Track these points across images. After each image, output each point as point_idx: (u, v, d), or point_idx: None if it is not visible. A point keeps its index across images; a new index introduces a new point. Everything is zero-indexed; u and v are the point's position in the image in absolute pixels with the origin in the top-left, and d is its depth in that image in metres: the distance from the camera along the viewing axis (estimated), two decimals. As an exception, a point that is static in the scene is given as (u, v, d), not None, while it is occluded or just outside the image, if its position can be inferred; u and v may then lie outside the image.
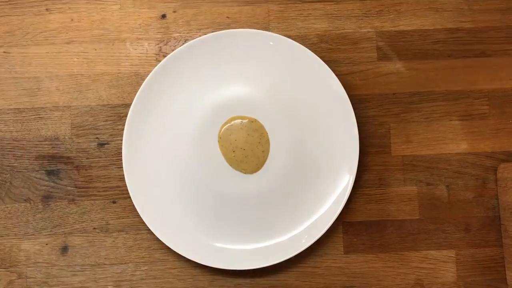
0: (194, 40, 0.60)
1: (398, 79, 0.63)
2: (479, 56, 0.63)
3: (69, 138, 0.62)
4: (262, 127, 0.61)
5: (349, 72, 0.63)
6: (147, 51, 0.63)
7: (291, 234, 0.60)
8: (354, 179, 0.60)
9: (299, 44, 0.60)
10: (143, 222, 0.59)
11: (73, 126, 0.62)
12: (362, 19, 0.63)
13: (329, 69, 0.60)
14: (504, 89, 0.63)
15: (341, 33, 0.63)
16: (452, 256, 0.62)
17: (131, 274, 0.61)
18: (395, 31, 0.63)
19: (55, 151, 0.62)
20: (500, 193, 0.61)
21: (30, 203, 0.61)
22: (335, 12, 0.64)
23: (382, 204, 0.62)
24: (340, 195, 0.60)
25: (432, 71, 0.63)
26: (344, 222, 0.62)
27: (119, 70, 0.63)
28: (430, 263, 0.62)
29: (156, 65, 0.60)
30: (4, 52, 0.63)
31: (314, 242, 0.59)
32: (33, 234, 0.61)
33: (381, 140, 0.63)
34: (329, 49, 0.63)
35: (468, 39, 0.63)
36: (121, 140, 0.61)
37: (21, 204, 0.61)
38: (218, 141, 0.61)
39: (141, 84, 0.60)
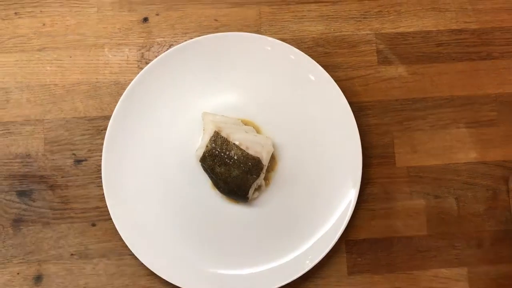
0: (180, 45, 0.59)
1: (400, 85, 0.62)
2: (485, 58, 0.63)
3: (42, 154, 0.60)
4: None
5: (348, 78, 0.62)
6: (127, 57, 0.61)
7: (290, 257, 0.57)
8: (358, 194, 0.57)
9: (294, 48, 0.59)
10: (126, 246, 0.57)
11: (46, 141, 0.60)
12: (360, 20, 0.63)
13: (327, 74, 0.59)
14: (513, 93, 0.63)
15: (339, 36, 0.62)
16: (464, 274, 0.60)
17: (113, 304, 0.58)
18: (395, 33, 0.63)
19: (27, 170, 0.59)
20: (514, 205, 0.59)
21: (-1, 228, 0.59)
22: (332, 14, 0.63)
23: (387, 219, 0.60)
24: (343, 211, 0.57)
25: (436, 75, 0.63)
26: (347, 241, 0.60)
27: (97, 79, 0.61)
28: (441, 282, 0.60)
29: (138, 73, 0.59)
30: (-31, 61, 0.61)
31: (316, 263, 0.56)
32: (3, 263, 0.58)
33: (385, 150, 0.61)
34: (326, 53, 0.62)
35: (473, 40, 0.63)
36: (100, 156, 0.58)
37: (-11, 229, 0.59)
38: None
39: (122, 94, 0.58)
